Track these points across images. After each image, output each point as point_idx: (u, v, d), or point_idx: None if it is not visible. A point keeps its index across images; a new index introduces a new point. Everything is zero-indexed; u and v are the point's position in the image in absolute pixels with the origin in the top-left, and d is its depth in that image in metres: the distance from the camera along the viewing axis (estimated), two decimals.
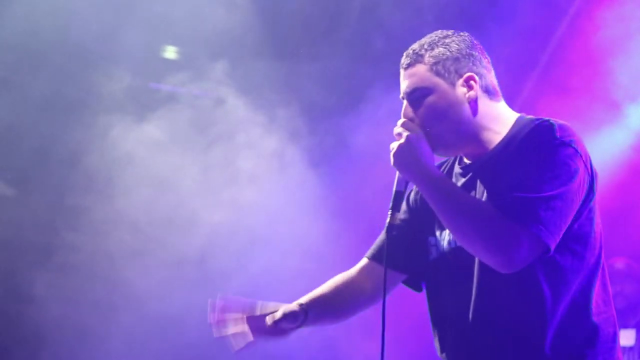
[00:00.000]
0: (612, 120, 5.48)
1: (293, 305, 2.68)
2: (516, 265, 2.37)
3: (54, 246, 5.22)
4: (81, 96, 5.12)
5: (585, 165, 2.45)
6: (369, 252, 2.83)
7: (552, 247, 2.37)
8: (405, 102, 2.59)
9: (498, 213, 2.37)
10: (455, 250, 2.57)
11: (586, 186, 2.45)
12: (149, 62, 5.28)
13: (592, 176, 2.48)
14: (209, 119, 5.23)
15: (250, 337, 2.65)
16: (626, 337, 5.53)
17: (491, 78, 2.61)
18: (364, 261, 2.83)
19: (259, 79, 5.20)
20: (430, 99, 2.54)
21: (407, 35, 5.02)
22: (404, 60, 2.60)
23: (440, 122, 2.53)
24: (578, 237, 2.47)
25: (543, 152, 2.42)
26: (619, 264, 5.70)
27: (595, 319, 2.47)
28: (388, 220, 2.54)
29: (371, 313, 2.92)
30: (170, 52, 5.50)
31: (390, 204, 2.55)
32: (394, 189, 2.56)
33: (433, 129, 2.54)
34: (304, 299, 2.72)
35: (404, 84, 2.59)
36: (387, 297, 2.66)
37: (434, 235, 2.65)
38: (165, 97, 5.32)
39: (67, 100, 5.11)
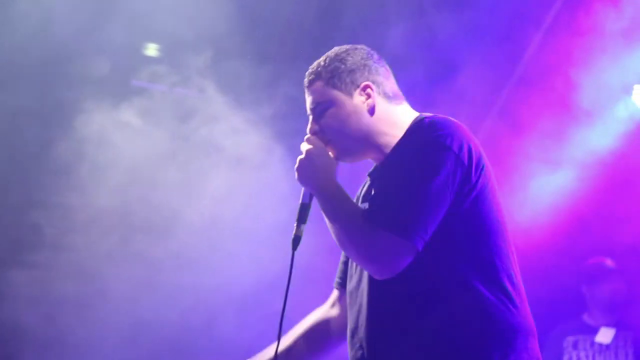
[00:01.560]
0: (594, 123, 5.52)
1: None
2: (390, 271, 2.47)
3: (30, 244, 5.19)
4: (59, 93, 5.08)
5: (458, 158, 2.50)
6: (336, 281, 2.96)
7: (420, 247, 2.45)
8: (310, 117, 2.74)
9: (368, 223, 2.49)
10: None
11: (458, 179, 2.50)
12: (130, 59, 5.26)
13: (469, 167, 2.52)
14: (190, 116, 5.22)
15: None
16: (604, 335, 5.56)
17: (390, 84, 2.75)
18: (334, 293, 2.97)
19: (241, 77, 5.19)
20: (331, 111, 2.69)
21: (390, 35, 5.08)
22: (305, 80, 2.76)
23: (341, 131, 2.69)
24: (457, 229, 2.51)
25: (411, 152, 2.55)
26: (604, 263, 5.73)
27: (491, 309, 2.48)
28: (294, 232, 2.67)
29: None
30: (152, 50, 5.48)
31: (296, 216, 2.69)
32: (300, 201, 2.70)
33: (335, 139, 2.68)
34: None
35: (308, 101, 2.75)
36: None
37: None
38: (146, 93, 5.30)
39: (44, 98, 5.06)
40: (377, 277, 2.50)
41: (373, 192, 2.67)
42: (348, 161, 2.73)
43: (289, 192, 5.11)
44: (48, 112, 5.10)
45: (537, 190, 5.63)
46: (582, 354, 5.57)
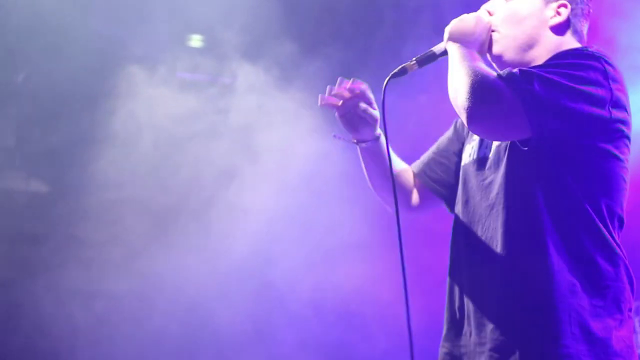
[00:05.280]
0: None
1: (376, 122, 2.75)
2: (488, 116, 2.29)
3: (82, 240, 5.21)
4: (101, 85, 5.06)
5: (607, 82, 2.33)
6: (417, 167, 2.86)
7: (533, 118, 2.27)
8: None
9: (495, 75, 2.32)
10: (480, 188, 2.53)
11: (604, 103, 2.32)
12: (171, 50, 5.23)
13: (613, 100, 2.34)
14: (232, 105, 5.17)
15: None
16: None
17: (582, 24, 2.56)
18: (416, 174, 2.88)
19: (282, 62, 5.11)
20: (518, 3, 2.53)
21: (430, 15, 4.94)
22: None
23: (512, 26, 2.52)
24: (594, 175, 2.36)
25: (567, 57, 2.39)
26: None
27: (601, 260, 2.35)
28: (405, 65, 2.53)
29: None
30: (196, 41, 5.45)
31: (419, 55, 2.54)
32: (433, 48, 2.55)
33: (501, 31, 2.51)
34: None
35: None
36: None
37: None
38: (188, 83, 5.27)
39: (86, 92, 5.06)
40: (469, 120, 2.29)
41: None
42: (494, 60, 2.54)
43: (321, 173, 5.06)
44: (94, 103, 5.09)
45: None
46: None
